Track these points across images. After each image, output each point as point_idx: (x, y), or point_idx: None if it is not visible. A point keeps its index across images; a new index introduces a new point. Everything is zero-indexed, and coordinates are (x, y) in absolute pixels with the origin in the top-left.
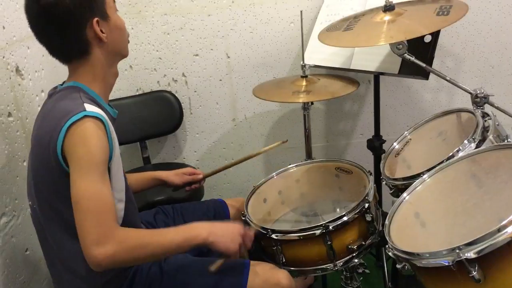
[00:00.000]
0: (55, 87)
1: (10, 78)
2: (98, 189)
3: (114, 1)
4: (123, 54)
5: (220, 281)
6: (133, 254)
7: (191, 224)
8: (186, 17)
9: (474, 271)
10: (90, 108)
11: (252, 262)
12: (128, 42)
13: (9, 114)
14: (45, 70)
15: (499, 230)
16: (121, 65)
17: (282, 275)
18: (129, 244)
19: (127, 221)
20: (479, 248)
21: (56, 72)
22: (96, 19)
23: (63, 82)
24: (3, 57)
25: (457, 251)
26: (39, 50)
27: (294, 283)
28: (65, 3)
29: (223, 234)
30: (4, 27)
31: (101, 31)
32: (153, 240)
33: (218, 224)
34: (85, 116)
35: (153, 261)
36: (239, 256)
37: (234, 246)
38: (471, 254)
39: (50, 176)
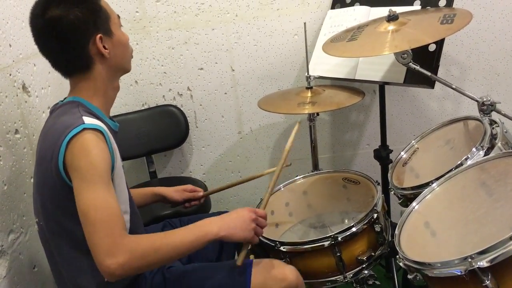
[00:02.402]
0: (56, 104)
1: (17, 95)
2: (104, 199)
3: (119, 17)
4: (126, 69)
5: (223, 283)
6: (146, 259)
7: (201, 221)
8: (190, 31)
9: (487, 280)
10: (88, 120)
11: (258, 260)
12: (132, 57)
13: (16, 131)
14: (51, 87)
15: (511, 238)
16: (127, 80)
17: (288, 271)
18: (140, 250)
19: (132, 233)
20: (492, 257)
21: (62, 88)
22: (99, 35)
23: (64, 98)
24: (10, 74)
25: (469, 260)
26: (45, 67)
27: (301, 280)
28: (70, 18)
29: (235, 225)
30: (10, 45)
31: (104, 47)
32: (164, 243)
33: (228, 216)
34: (84, 128)
35: (167, 263)
36: (259, 236)
37: (249, 233)
38: (483, 263)
39: (54, 192)
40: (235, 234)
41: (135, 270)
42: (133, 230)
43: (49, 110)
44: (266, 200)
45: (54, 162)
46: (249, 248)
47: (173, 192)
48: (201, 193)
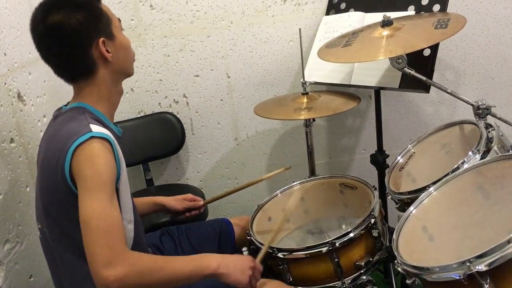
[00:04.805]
0: (60, 108)
1: (12, 104)
2: (107, 209)
3: (120, 21)
4: (128, 73)
5: None
6: (144, 278)
7: (202, 254)
8: (185, 38)
9: (486, 284)
10: (96, 128)
11: (261, 280)
12: (134, 61)
13: (12, 140)
14: (46, 96)
15: (509, 241)
16: (123, 87)
17: None
18: (141, 267)
19: (136, 242)
20: (490, 260)
21: (57, 97)
22: (102, 39)
23: (68, 103)
24: (5, 83)
25: (468, 264)
26: (40, 75)
27: None
28: (71, 23)
29: (234, 266)
30: (5, 54)
31: (107, 50)
32: (164, 266)
33: (229, 256)
34: (92, 137)
35: (162, 287)
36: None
37: (245, 278)
38: (482, 267)
39: (59, 198)
40: (233, 274)
41: (130, 286)
42: (136, 239)
43: (45, 118)
44: (263, 253)
45: (60, 168)
46: None
47: (173, 201)
48: (201, 202)
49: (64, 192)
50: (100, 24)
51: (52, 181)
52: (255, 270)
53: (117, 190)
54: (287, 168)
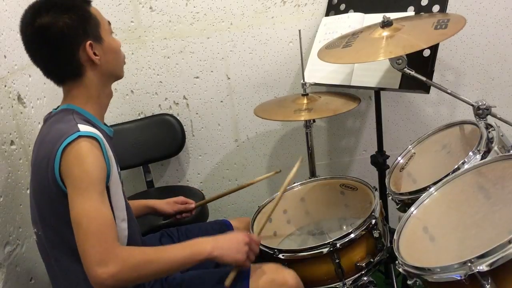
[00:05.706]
0: (50, 112)
1: (12, 106)
2: (97, 208)
3: (110, 24)
4: (118, 76)
5: None
6: (137, 272)
7: (195, 239)
8: (185, 40)
9: (488, 285)
10: (84, 128)
11: (257, 265)
12: (124, 63)
13: (12, 142)
14: (46, 98)
15: (510, 241)
16: (123, 90)
17: (288, 275)
18: (132, 262)
19: (131, 240)
20: (491, 261)
21: (57, 99)
22: (89, 42)
23: (58, 106)
24: (5, 85)
25: (469, 264)
26: (40, 78)
27: (301, 283)
28: (59, 25)
29: (228, 246)
30: (5, 56)
31: (95, 53)
32: (157, 257)
33: (222, 237)
34: (79, 136)
35: (158, 277)
36: (250, 262)
37: (241, 256)
38: (483, 267)
39: (51, 200)
40: (228, 255)
41: (125, 282)
42: (131, 237)
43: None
44: (262, 225)
45: (50, 170)
46: (238, 269)
47: (164, 205)
48: (192, 205)
49: (56, 194)
50: (88, 27)
51: (44, 183)
52: (251, 244)
53: (108, 189)
54: (278, 172)
